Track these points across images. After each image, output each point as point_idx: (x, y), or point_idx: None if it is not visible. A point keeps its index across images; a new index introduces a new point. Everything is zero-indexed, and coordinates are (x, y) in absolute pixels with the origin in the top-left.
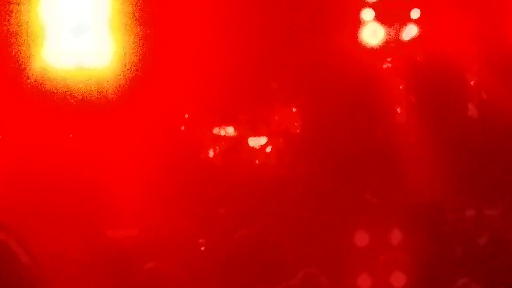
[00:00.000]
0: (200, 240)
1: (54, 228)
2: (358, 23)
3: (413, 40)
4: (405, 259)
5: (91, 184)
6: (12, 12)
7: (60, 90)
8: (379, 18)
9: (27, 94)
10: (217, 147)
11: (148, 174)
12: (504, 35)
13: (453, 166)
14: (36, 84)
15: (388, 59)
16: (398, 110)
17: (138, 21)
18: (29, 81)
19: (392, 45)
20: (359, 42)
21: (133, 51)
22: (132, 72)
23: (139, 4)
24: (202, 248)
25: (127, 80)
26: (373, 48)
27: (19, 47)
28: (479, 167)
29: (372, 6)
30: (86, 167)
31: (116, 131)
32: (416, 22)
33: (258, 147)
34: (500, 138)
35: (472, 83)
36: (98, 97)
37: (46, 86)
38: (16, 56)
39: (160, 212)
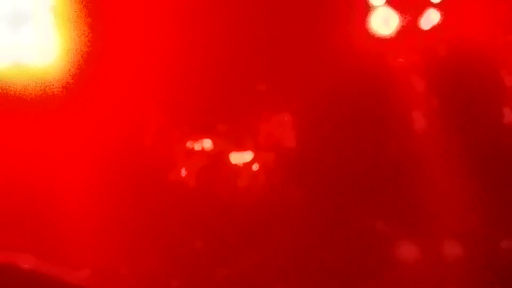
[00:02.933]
0: (172, 282)
1: None
2: (366, 9)
3: (435, 29)
4: None
5: (28, 209)
6: None
7: None
8: (391, 2)
9: None
10: (191, 165)
11: (104, 199)
12: None
13: (486, 186)
14: None
15: (403, 53)
16: (416, 116)
17: (90, 8)
18: None
19: (408, 35)
20: (367, 32)
21: (83, 45)
22: (82, 71)
23: None
24: None
25: (76, 81)
26: (384, 39)
27: None
28: None
29: None
30: (23, 189)
31: (62, 145)
32: (438, 6)
33: (242, 165)
34: None
35: (508, 82)
36: (39, 101)
37: None
38: None
39: (119, 247)
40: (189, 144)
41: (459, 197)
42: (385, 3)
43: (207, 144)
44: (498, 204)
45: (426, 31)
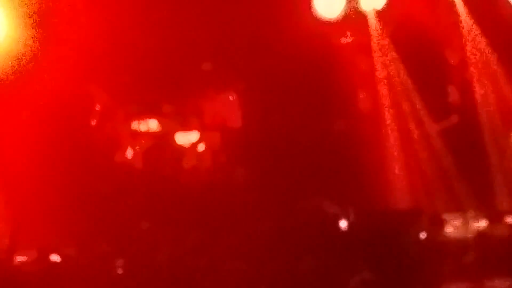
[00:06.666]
0: (117, 262)
1: None
2: None
3: (380, 10)
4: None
5: None
6: None
7: None
8: None
9: None
10: (136, 146)
11: (50, 180)
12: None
13: (433, 164)
14: None
15: (349, 33)
16: (361, 96)
17: None
18: None
19: (354, 15)
20: (313, 12)
21: (29, 27)
22: (26, 51)
23: None
24: (119, 272)
25: (20, 61)
26: (329, 19)
27: None
28: (468, 166)
29: None
30: None
31: (7, 127)
32: None
33: (188, 145)
34: (492, 129)
35: (453, 62)
36: None
37: None
38: None
39: (65, 228)
40: (134, 125)
41: (404, 173)
42: None
43: (152, 124)
44: (443, 181)
45: (371, 12)
